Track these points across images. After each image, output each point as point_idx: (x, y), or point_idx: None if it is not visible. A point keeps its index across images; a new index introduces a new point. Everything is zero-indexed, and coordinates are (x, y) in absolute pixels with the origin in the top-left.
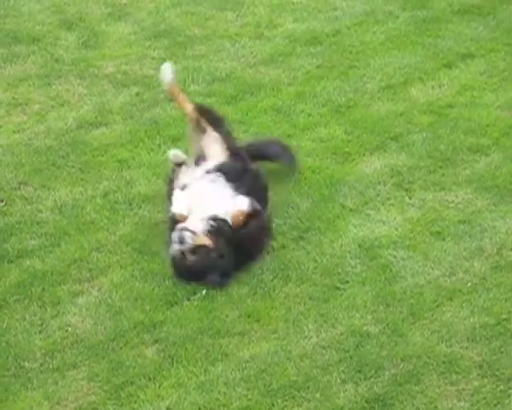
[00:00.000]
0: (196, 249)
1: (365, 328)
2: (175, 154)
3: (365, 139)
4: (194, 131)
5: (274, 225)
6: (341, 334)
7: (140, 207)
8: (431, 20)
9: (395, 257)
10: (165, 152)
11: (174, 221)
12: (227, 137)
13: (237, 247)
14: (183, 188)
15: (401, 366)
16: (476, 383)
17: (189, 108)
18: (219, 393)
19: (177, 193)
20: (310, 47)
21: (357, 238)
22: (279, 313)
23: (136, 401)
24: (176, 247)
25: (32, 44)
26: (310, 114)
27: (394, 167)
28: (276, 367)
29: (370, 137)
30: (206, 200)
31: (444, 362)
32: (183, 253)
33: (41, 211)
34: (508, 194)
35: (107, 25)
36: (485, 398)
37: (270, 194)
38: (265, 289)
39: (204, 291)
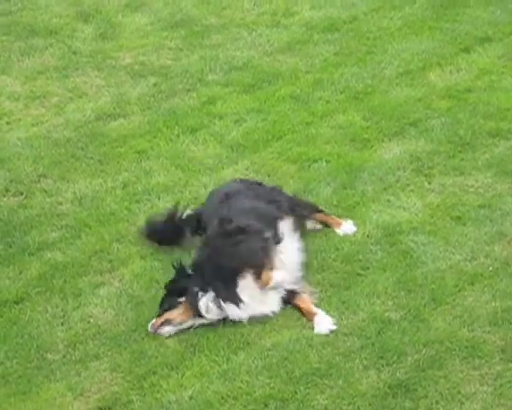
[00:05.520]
0: None
1: (387, 314)
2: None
3: (384, 125)
4: None
5: None
6: (363, 320)
7: (159, 198)
8: (448, 5)
9: (416, 243)
10: (183, 142)
11: None
12: None
13: None
14: None
15: (423, 351)
16: (499, 368)
17: None
18: (242, 381)
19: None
20: (327, 34)
21: (377, 224)
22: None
23: (158, 391)
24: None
25: (49, 37)
26: (328, 101)
27: (413, 153)
28: (298, 355)
29: (389, 124)
30: None
31: (466, 347)
32: None
33: (61, 203)
34: None
35: (123, 16)
36: (508, 382)
37: None
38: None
39: None
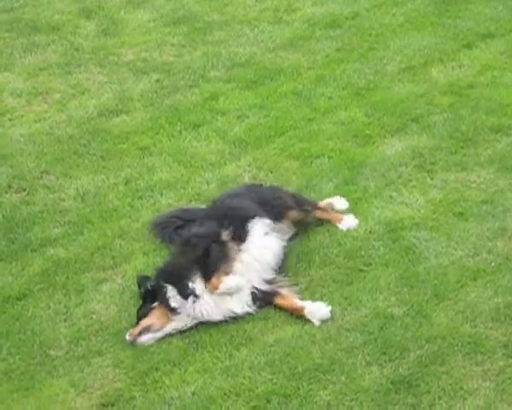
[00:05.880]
0: None
1: (389, 310)
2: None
3: (386, 121)
4: None
5: None
6: (365, 316)
7: (162, 194)
8: (450, 1)
9: (418, 238)
10: (186, 138)
11: None
12: None
13: None
14: None
15: (426, 347)
16: (501, 363)
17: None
18: (244, 377)
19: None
20: (329, 30)
21: (379, 220)
22: (303, 297)
23: (161, 387)
24: None
25: (51, 33)
26: (330, 98)
27: (416, 149)
28: (300, 351)
29: (391, 119)
30: None
31: (468, 343)
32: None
33: (63, 199)
34: None
35: (126, 12)
36: (510, 378)
37: None
38: (289, 273)
39: None
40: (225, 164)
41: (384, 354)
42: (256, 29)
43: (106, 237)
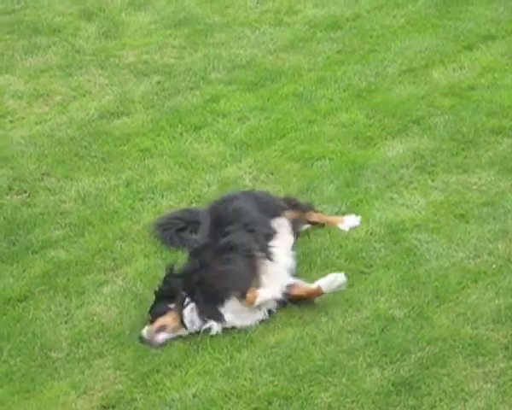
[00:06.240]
0: None
1: (390, 312)
2: None
3: (387, 123)
4: None
5: None
6: (366, 318)
7: (163, 196)
8: (451, 2)
9: (419, 240)
10: (186, 140)
11: None
12: None
13: None
14: None
15: (427, 349)
16: (502, 365)
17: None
18: (245, 379)
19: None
20: (330, 32)
21: (380, 222)
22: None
23: (162, 389)
24: None
25: (52, 35)
26: (331, 99)
27: (417, 151)
28: (301, 352)
29: (392, 121)
30: None
31: (469, 344)
32: None
33: (64, 201)
34: None
35: (127, 14)
36: (511, 379)
37: None
38: None
39: None
40: (226, 166)
41: (385, 356)
42: (257, 31)
43: (107, 239)
